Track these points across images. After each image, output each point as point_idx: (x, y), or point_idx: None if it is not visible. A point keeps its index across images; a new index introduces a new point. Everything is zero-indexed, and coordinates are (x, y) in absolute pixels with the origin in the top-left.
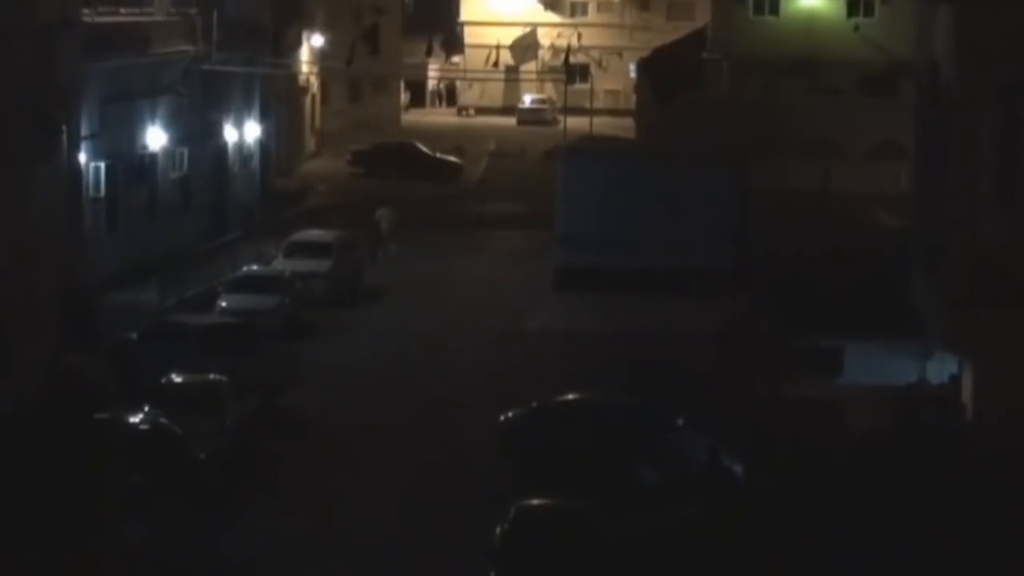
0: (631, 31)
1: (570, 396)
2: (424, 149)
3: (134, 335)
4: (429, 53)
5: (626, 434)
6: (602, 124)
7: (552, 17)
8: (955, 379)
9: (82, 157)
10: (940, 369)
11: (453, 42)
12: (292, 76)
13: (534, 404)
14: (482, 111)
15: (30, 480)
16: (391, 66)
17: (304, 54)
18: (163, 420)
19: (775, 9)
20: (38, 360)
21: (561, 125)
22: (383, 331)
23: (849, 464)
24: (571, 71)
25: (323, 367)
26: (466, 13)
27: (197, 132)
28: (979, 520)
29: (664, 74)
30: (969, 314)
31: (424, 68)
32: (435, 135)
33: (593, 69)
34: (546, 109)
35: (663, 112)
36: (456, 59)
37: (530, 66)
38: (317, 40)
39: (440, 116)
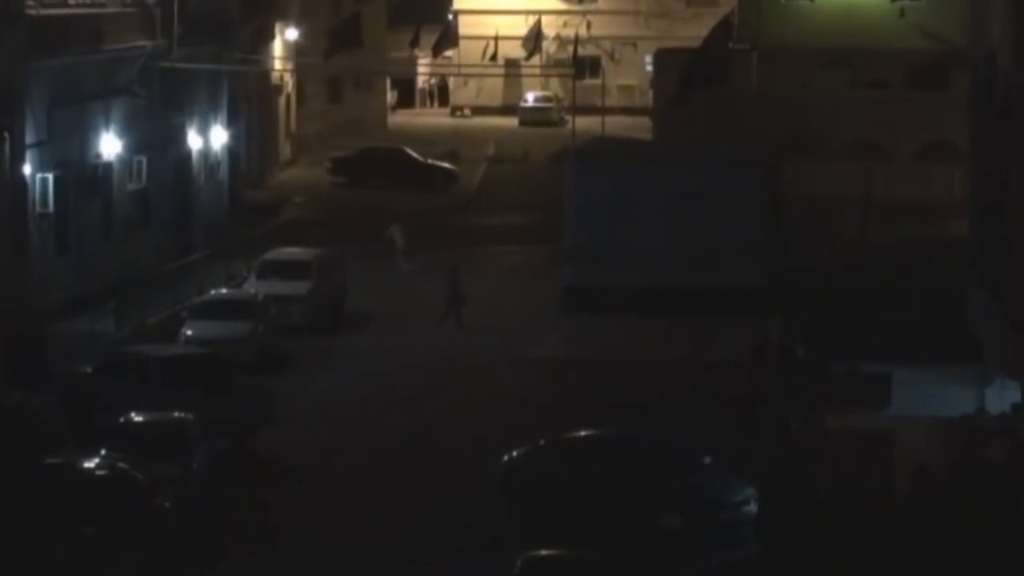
0: (647, 19)
1: (581, 432)
2: (414, 155)
3: (88, 368)
4: (415, 44)
5: (646, 475)
6: (615, 124)
7: (557, 4)
8: (1018, 409)
9: (27, 168)
10: (1001, 397)
11: (447, 36)
12: (264, 74)
13: (541, 442)
14: (479, 111)
15: None
16: (375, 61)
17: (277, 49)
18: (122, 464)
19: None
20: None
21: (569, 126)
22: (369, 361)
23: (903, 507)
24: (579, 65)
25: (302, 402)
26: (460, 0)
27: (157, 138)
28: None
29: (685, 66)
30: None
31: (413, 63)
32: (426, 139)
33: (604, 62)
34: (551, 108)
35: (684, 109)
36: (449, 53)
37: (532, 60)
38: (292, 33)
39: (432, 117)
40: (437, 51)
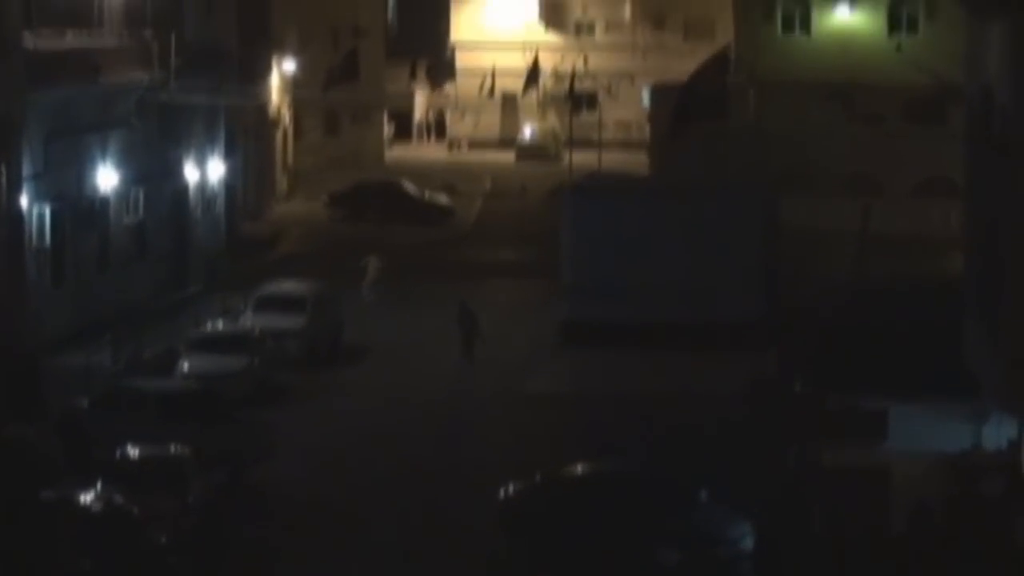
0: (643, 53)
1: (579, 467)
2: (411, 189)
3: (85, 402)
4: (413, 76)
5: (643, 510)
6: (612, 159)
7: (554, 38)
8: (1014, 445)
9: (24, 200)
10: (998, 433)
11: (443, 70)
12: (261, 107)
13: (538, 477)
14: (476, 145)
15: None
16: (373, 95)
17: (275, 82)
18: (118, 499)
19: (807, 27)
20: None
21: (566, 160)
22: (366, 395)
23: (899, 542)
24: (576, 99)
25: (298, 437)
26: (457, 34)
27: (154, 171)
28: None
29: (682, 100)
30: None
31: (410, 97)
32: (423, 173)
33: (601, 97)
34: (549, 142)
35: (681, 143)
36: (446, 87)
37: (530, 94)
38: (289, 66)
39: (429, 151)
40: (436, 82)
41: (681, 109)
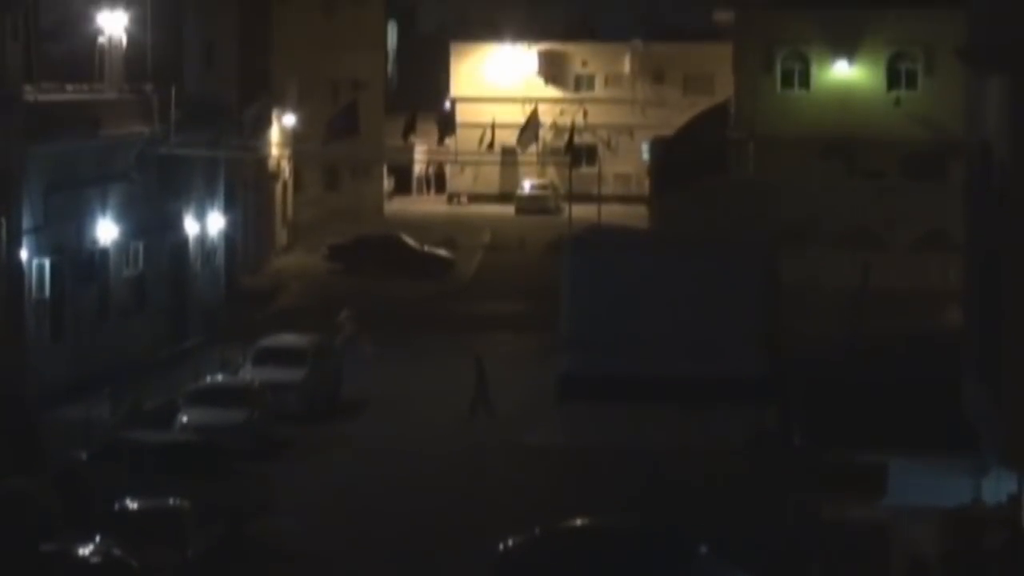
0: (643, 107)
1: (577, 522)
2: (410, 242)
3: (84, 455)
4: (410, 130)
5: (642, 564)
6: (611, 212)
7: (554, 92)
8: (1015, 499)
9: (24, 253)
10: (998, 488)
11: (446, 124)
12: (261, 160)
13: (537, 531)
14: (476, 198)
15: None
16: (372, 148)
17: (274, 135)
18: (117, 552)
19: (806, 82)
20: None
21: (565, 214)
22: (365, 449)
23: None
24: (576, 153)
25: (298, 490)
26: (457, 88)
27: (154, 224)
28: None
29: (682, 155)
30: None
31: (410, 150)
32: (423, 226)
33: (601, 150)
34: (548, 196)
35: (681, 198)
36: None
37: (529, 148)
38: (289, 120)
39: (428, 204)
40: (439, 140)
41: (678, 162)
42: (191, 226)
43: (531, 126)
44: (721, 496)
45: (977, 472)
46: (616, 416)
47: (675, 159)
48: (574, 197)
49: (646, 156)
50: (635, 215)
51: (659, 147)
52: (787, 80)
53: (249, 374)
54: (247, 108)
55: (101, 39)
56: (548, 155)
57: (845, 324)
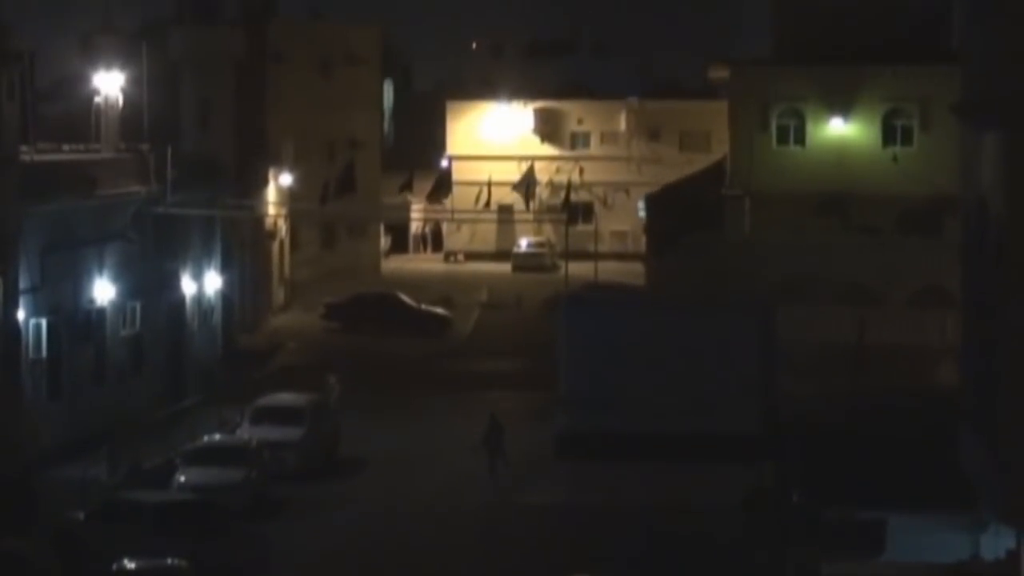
0: (639, 165)
1: None
2: (407, 300)
3: (81, 515)
4: (407, 188)
5: None
6: (608, 269)
7: (550, 150)
8: (1013, 555)
9: (20, 313)
10: (996, 544)
11: (442, 184)
12: (258, 219)
13: None
14: (472, 256)
15: None
16: (369, 207)
17: (271, 194)
18: None
19: (801, 139)
20: None
21: (562, 271)
22: (363, 508)
23: None
24: (572, 210)
25: (295, 550)
26: (453, 146)
27: (150, 284)
28: None
29: (678, 212)
30: None
31: (406, 208)
32: (420, 284)
33: (597, 208)
34: (545, 253)
35: (677, 254)
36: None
37: (526, 199)
38: (285, 179)
39: (425, 263)
40: (433, 199)
41: (674, 219)
42: (188, 285)
43: (528, 178)
44: (720, 554)
45: (975, 528)
46: (614, 474)
47: (671, 216)
48: (571, 254)
49: (642, 213)
50: (632, 272)
51: (655, 204)
52: (783, 137)
53: (246, 433)
54: (246, 168)
55: (97, 99)
56: (544, 212)
57: (843, 380)
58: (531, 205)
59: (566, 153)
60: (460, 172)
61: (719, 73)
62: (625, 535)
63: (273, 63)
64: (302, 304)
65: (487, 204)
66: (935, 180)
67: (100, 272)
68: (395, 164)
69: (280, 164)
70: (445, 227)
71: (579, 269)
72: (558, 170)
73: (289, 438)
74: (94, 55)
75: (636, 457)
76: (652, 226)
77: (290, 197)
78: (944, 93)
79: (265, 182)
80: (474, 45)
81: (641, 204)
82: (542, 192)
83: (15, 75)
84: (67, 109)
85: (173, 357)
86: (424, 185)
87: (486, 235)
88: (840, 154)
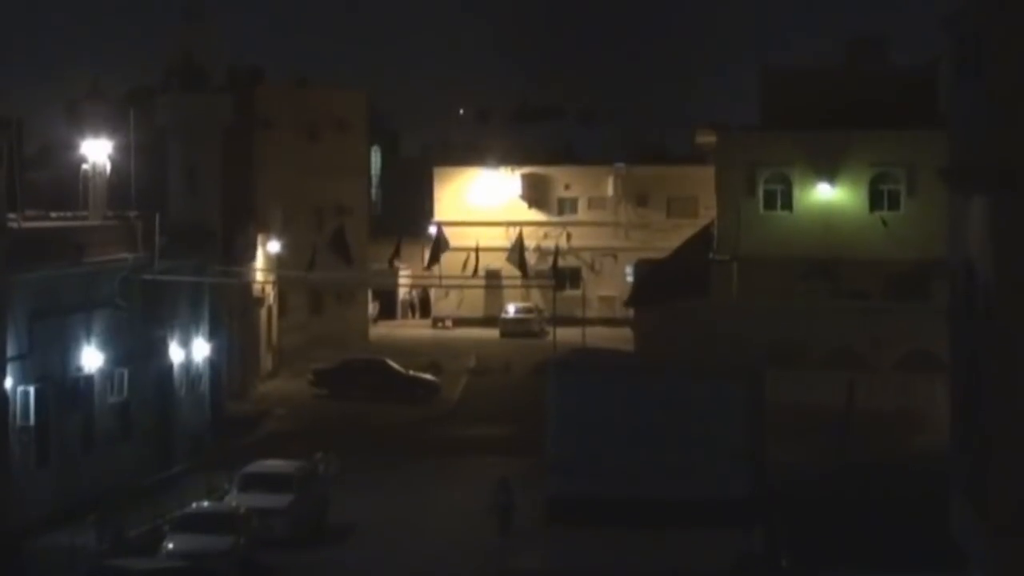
0: (626, 230)
1: None
2: (395, 366)
3: None
4: (396, 256)
5: None
6: (596, 335)
7: (537, 215)
8: None
9: (8, 380)
10: None
11: (438, 247)
12: (246, 286)
13: None
14: (460, 322)
15: None
16: (357, 274)
17: (259, 261)
18: None
19: (788, 204)
20: None
21: (550, 337)
22: (352, 575)
23: None
24: (560, 276)
25: None
26: (440, 212)
27: (138, 351)
28: None
29: (665, 277)
30: (1017, 544)
31: (394, 275)
32: (408, 350)
33: (585, 273)
34: (533, 319)
35: (663, 319)
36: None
37: (513, 271)
38: (273, 246)
39: (413, 328)
40: (432, 264)
41: (660, 285)
42: (176, 352)
43: (518, 249)
44: None
45: None
46: (603, 539)
47: (658, 280)
48: (559, 320)
49: (630, 278)
50: (620, 337)
51: (643, 269)
52: (770, 201)
53: (235, 500)
54: (235, 236)
55: (85, 166)
56: (532, 278)
57: (831, 445)
58: (525, 271)
59: (554, 219)
60: (446, 237)
61: (706, 138)
62: None
63: (260, 129)
64: (290, 370)
65: (475, 271)
66: (922, 244)
67: (88, 339)
68: (383, 230)
69: (268, 230)
70: (433, 293)
71: (567, 334)
72: (546, 235)
73: (277, 505)
74: (81, 122)
75: (626, 522)
76: (638, 291)
77: (278, 263)
78: (931, 157)
79: (253, 248)
80: (461, 111)
81: (629, 269)
82: (530, 258)
83: (2, 142)
84: (54, 176)
85: (161, 424)
86: (412, 251)
87: (474, 301)
88: (827, 219)
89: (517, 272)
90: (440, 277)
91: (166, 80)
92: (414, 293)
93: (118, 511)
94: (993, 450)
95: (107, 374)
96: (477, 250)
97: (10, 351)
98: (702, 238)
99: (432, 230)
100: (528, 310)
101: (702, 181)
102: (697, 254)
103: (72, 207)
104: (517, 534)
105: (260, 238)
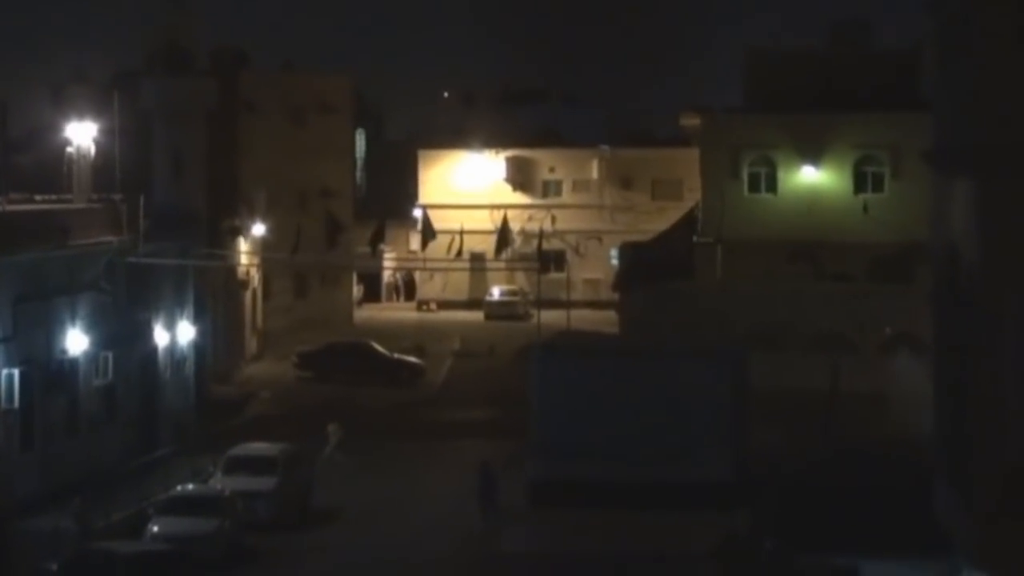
0: (611, 213)
1: None
2: (380, 349)
3: (53, 566)
4: (379, 239)
5: None
6: (581, 318)
7: (522, 198)
8: None
9: None
10: None
11: (428, 230)
12: (230, 269)
13: None
14: (445, 305)
15: None
16: (341, 256)
17: (243, 244)
18: None
19: (772, 186)
20: None
21: (535, 320)
22: (336, 557)
23: None
24: (545, 259)
25: None
26: (425, 195)
27: (123, 334)
28: None
29: (649, 259)
30: (1001, 528)
31: (379, 258)
32: (392, 333)
33: (569, 256)
34: (517, 302)
35: (647, 301)
36: (414, 248)
37: (501, 255)
38: (258, 228)
39: (398, 311)
40: (423, 247)
41: (645, 267)
42: (161, 335)
43: (505, 235)
44: None
45: (949, 574)
46: (587, 521)
47: (642, 263)
48: (543, 303)
49: (615, 261)
50: (605, 320)
51: (628, 252)
52: (754, 184)
53: (220, 483)
54: (221, 220)
55: (70, 149)
56: (517, 261)
57: (815, 427)
58: (505, 253)
59: (538, 201)
60: (432, 220)
61: (691, 121)
62: None
63: (245, 113)
64: (275, 353)
65: (459, 253)
66: (907, 227)
67: (73, 322)
68: (367, 213)
69: (253, 213)
70: (418, 276)
71: (552, 317)
72: (530, 218)
73: (262, 487)
74: (66, 105)
75: (609, 504)
76: (623, 273)
77: (263, 246)
78: (915, 140)
79: (237, 231)
80: (445, 94)
81: (614, 252)
82: (514, 241)
83: None
84: (39, 159)
85: (146, 407)
86: (397, 234)
87: (458, 284)
88: (811, 201)
89: (502, 256)
90: (424, 260)
91: (148, 63)
92: (399, 276)
93: (103, 494)
94: (976, 433)
95: (92, 357)
96: (462, 233)
97: None
98: (687, 221)
99: (417, 213)
100: (513, 293)
101: (687, 164)
102: (682, 237)
103: (57, 190)
104: (500, 518)
105: (245, 221)
